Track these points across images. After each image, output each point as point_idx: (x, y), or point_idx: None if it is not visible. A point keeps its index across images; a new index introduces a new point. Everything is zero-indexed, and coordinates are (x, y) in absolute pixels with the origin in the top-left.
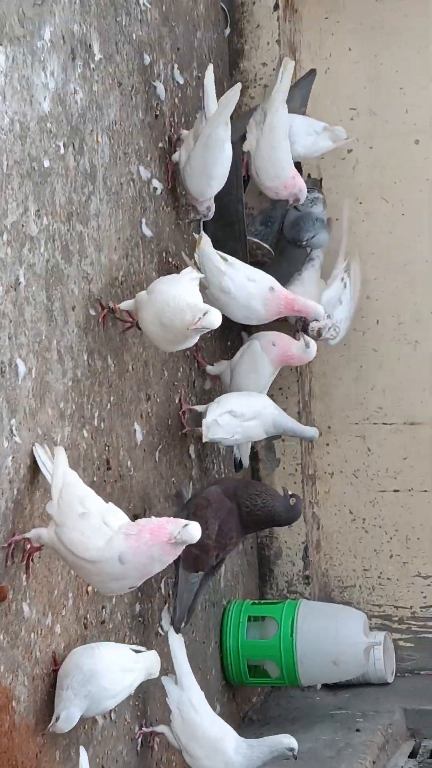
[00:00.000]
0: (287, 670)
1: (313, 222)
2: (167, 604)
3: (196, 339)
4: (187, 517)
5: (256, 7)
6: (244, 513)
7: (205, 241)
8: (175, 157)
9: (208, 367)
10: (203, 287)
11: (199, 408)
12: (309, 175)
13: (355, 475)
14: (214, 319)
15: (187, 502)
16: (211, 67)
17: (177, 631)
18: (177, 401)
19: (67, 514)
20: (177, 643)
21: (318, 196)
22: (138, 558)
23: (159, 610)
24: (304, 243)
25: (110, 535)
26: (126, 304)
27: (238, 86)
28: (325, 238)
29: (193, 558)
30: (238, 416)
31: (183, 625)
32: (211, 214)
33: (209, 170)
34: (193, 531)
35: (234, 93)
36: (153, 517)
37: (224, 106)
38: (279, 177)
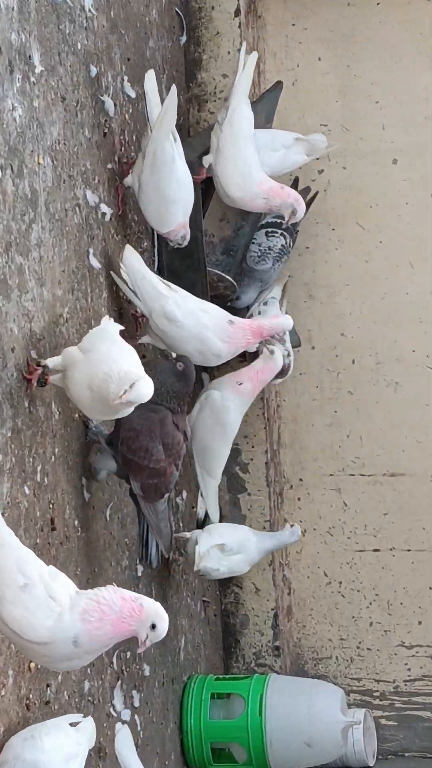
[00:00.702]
0: (255, 753)
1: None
2: (120, 681)
3: (129, 410)
4: (124, 460)
5: (215, 13)
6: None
7: (129, 253)
8: (128, 180)
9: None
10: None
11: (186, 534)
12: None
13: (330, 533)
14: (143, 392)
15: (115, 440)
16: (151, 72)
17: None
18: None
19: (6, 583)
20: (124, 740)
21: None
22: (94, 643)
23: (111, 687)
24: (235, 297)
25: (58, 611)
26: (53, 361)
27: (174, 89)
28: (251, 297)
29: (153, 488)
30: (226, 551)
31: (172, 553)
32: (185, 243)
33: (163, 193)
34: (161, 630)
35: (172, 97)
36: (108, 589)
37: (165, 115)
38: (246, 181)
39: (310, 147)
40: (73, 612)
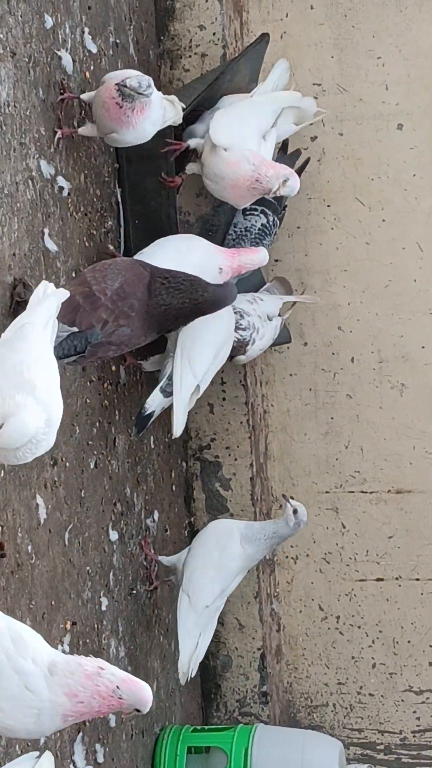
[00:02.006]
0: None
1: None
2: (81, 732)
3: None
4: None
5: None
6: (158, 288)
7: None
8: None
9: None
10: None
11: (165, 560)
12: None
13: (326, 560)
14: (9, 438)
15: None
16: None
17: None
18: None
19: None
20: None
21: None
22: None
23: (71, 740)
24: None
25: (39, 707)
26: None
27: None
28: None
29: (73, 307)
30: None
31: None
32: (149, 90)
33: None
34: (144, 711)
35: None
36: (82, 679)
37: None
38: (238, 137)
39: (299, 114)
40: (53, 713)
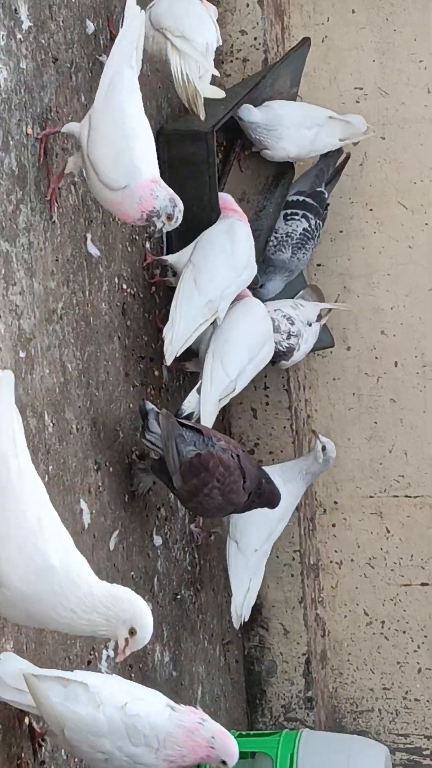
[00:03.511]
0: None
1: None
2: None
3: None
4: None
5: None
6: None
7: None
8: (70, 126)
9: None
10: None
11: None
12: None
13: (371, 565)
14: (142, 644)
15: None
16: None
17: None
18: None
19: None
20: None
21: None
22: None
23: None
24: (258, 286)
25: None
26: None
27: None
28: (277, 287)
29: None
30: None
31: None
32: (176, 222)
33: (121, 131)
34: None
35: (133, 21)
36: (191, 715)
37: (127, 38)
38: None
39: (346, 129)
40: None
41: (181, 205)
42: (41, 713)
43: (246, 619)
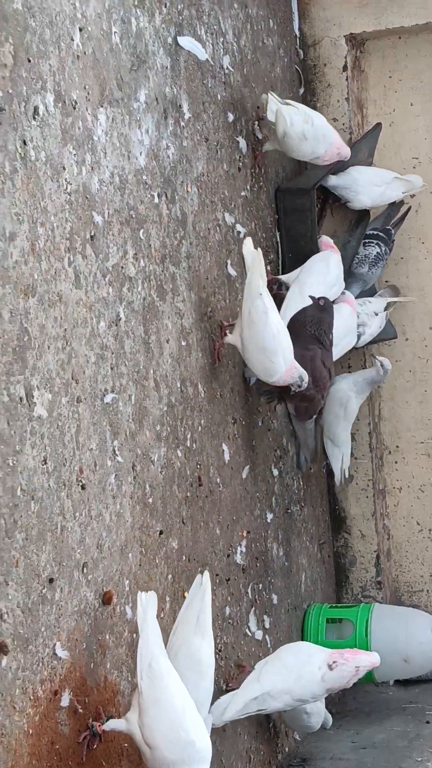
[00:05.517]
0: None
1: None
2: (253, 607)
3: None
4: (281, 387)
5: (327, 69)
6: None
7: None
8: (230, 338)
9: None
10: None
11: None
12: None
13: (422, 490)
14: None
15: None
16: (249, 240)
17: (306, 469)
18: (259, 422)
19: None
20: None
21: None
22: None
23: (246, 612)
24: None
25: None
26: (113, 724)
27: (259, 253)
28: (354, 293)
29: (303, 409)
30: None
31: (311, 466)
32: (305, 383)
33: (263, 345)
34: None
35: (256, 263)
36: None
37: (252, 275)
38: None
39: (406, 185)
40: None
41: (307, 378)
42: None
43: (347, 478)
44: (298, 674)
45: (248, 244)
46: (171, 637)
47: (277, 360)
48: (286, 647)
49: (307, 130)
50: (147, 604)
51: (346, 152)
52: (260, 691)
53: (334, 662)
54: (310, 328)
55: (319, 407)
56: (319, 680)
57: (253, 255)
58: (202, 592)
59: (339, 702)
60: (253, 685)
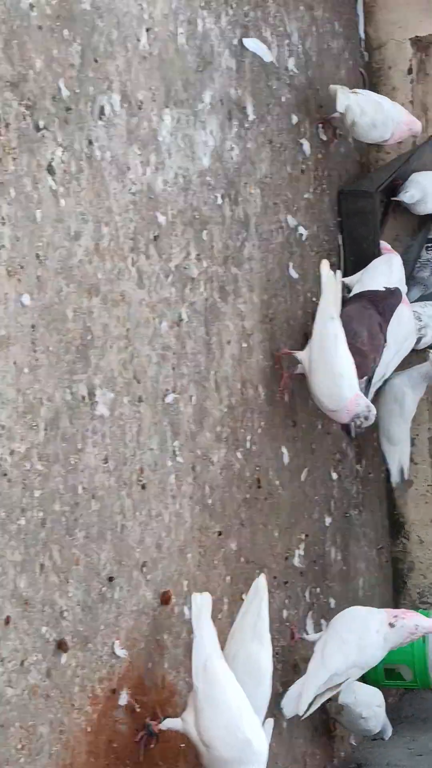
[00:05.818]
0: (419, 673)
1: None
2: (311, 611)
3: None
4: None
5: (391, 72)
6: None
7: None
8: (299, 354)
9: None
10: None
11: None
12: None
13: None
14: None
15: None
16: (325, 262)
17: (353, 435)
18: (320, 426)
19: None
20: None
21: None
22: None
23: (304, 616)
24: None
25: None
26: (170, 724)
27: (326, 264)
28: (414, 296)
29: (356, 366)
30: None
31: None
32: (372, 416)
33: (331, 368)
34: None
35: (328, 286)
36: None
37: (326, 298)
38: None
39: None
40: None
41: (374, 411)
42: None
43: (406, 477)
44: (359, 645)
45: (325, 265)
46: (228, 640)
47: (344, 385)
48: (340, 619)
49: (377, 119)
50: (201, 605)
51: (417, 128)
52: (327, 675)
53: (395, 617)
54: (371, 297)
55: (370, 368)
56: (382, 642)
57: (328, 277)
58: (259, 600)
59: (395, 708)
60: (320, 671)
